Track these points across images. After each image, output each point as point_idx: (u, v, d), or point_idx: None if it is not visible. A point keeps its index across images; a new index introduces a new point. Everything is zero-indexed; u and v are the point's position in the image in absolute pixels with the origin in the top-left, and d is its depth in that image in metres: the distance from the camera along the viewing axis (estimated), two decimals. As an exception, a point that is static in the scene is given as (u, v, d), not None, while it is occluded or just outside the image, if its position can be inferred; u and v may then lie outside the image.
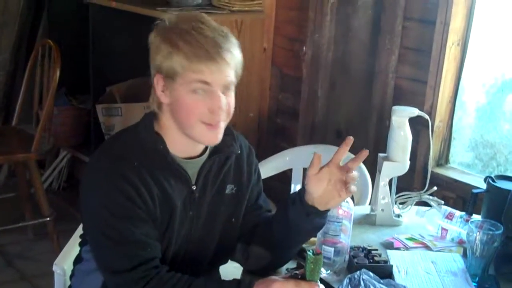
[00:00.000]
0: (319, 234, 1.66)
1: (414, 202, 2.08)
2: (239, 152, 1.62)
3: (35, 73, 3.35)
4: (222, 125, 1.50)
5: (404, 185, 2.15)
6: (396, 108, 1.99)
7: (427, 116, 2.01)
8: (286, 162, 2.67)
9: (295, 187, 2.67)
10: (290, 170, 2.68)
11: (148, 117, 1.55)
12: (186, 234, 1.57)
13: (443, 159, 2.67)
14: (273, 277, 1.45)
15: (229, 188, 1.62)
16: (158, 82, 1.47)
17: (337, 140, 2.96)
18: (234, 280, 1.47)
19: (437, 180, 2.53)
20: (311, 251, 1.41)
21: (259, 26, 3.13)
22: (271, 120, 3.29)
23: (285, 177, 2.63)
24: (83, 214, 1.54)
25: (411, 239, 1.87)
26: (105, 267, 1.51)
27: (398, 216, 2.03)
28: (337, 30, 2.89)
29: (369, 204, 2.20)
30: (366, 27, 2.77)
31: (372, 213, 2.05)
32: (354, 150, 2.55)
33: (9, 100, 4.25)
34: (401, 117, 1.97)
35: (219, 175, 1.59)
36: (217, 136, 1.50)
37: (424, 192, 2.06)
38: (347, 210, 1.67)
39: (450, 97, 2.57)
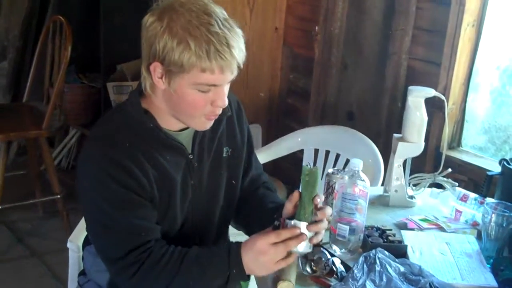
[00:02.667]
0: (334, 212, 1.66)
1: (428, 184, 2.07)
2: (230, 114, 1.62)
3: (45, 49, 3.33)
4: (219, 113, 1.49)
5: (415, 167, 2.14)
6: (412, 88, 1.97)
7: (443, 97, 1.99)
8: (297, 143, 2.67)
9: (306, 168, 2.67)
10: (301, 151, 2.68)
11: (134, 95, 1.52)
12: (190, 205, 1.58)
13: (456, 142, 2.66)
14: (255, 235, 1.43)
15: (225, 151, 1.63)
16: (155, 69, 1.40)
17: (348, 122, 2.95)
18: (224, 244, 1.46)
19: (449, 162, 2.50)
20: (308, 165, 1.43)
21: (272, 5, 3.11)
22: (282, 100, 3.28)
23: (295, 158, 2.63)
24: (80, 203, 1.52)
25: (425, 220, 1.87)
26: (102, 255, 1.51)
27: (412, 197, 2.03)
28: (350, 10, 2.87)
29: (382, 185, 2.19)
30: (380, 8, 2.75)
31: (385, 194, 2.04)
32: (367, 132, 2.57)
33: (18, 77, 4.25)
34: (418, 97, 1.95)
35: (214, 140, 1.60)
36: (211, 123, 1.50)
37: (438, 174, 2.06)
38: (363, 189, 1.66)
39: (463, 79, 2.55)
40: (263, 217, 1.58)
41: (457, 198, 1.93)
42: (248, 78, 3.13)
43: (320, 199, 1.44)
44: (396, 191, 2.00)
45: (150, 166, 1.46)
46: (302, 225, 1.42)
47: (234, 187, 1.67)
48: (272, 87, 3.27)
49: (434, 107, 2.39)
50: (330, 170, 1.93)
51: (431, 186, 2.09)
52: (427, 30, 2.60)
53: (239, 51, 1.37)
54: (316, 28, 2.99)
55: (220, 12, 1.39)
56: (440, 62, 2.52)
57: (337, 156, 2.58)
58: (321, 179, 2.52)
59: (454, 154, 2.61)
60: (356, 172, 1.66)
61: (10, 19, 4.16)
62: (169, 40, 1.35)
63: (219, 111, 1.47)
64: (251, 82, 3.15)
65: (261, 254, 1.39)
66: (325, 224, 1.46)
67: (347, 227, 1.65)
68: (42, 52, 3.36)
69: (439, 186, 2.09)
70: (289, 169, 2.49)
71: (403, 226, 1.83)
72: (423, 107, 1.97)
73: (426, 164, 2.57)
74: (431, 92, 1.98)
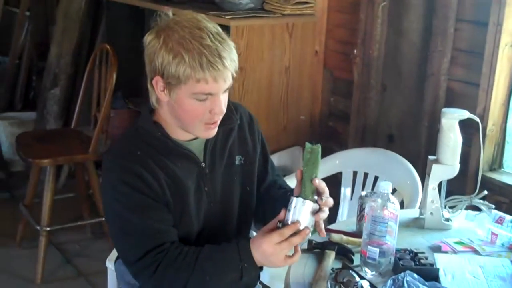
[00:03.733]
0: (364, 235, 1.67)
1: (464, 206, 2.05)
2: (238, 122, 1.72)
3: (93, 76, 3.45)
4: (218, 121, 1.59)
5: (456, 189, 2.12)
6: (445, 110, 1.97)
7: (477, 119, 1.98)
8: (336, 165, 2.68)
9: (345, 190, 2.68)
10: (340, 174, 2.69)
11: (144, 109, 1.65)
12: (206, 211, 1.66)
13: (497, 163, 2.62)
14: (260, 234, 1.53)
15: (238, 159, 1.72)
16: (157, 83, 1.53)
17: (388, 144, 2.94)
18: (234, 241, 1.55)
19: (490, 184, 2.49)
20: (312, 142, 1.52)
21: (311, 29, 3.14)
22: (322, 123, 3.30)
23: (334, 180, 2.64)
24: (104, 213, 1.67)
25: (459, 243, 1.85)
26: (123, 258, 1.63)
27: (448, 220, 2.01)
28: (388, 33, 2.88)
29: (419, 207, 2.18)
30: (418, 29, 2.75)
31: (421, 216, 2.03)
32: (407, 154, 2.56)
33: (69, 103, 4.40)
34: (451, 119, 1.95)
35: (225, 148, 1.69)
36: (215, 131, 1.60)
37: (475, 196, 2.03)
38: (393, 211, 1.67)
39: (503, 100, 2.52)
40: (276, 207, 1.62)
41: (493, 221, 1.91)
42: (289, 101, 3.16)
43: (318, 181, 1.53)
44: (431, 213, 1.99)
45: (161, 172, 1.57)
46: (305, 204, 1.50)
47: (248, 193, 1.76)
48: (313, 110, 3.29)
49: (474, 128, 2.36)
50: (363, 193, 1.94)
51: (468, 208, 2.07)
52: (466, 51, 2.58)
53: (230, 61, 1.49)
54: (355, 51, 3.01)
55: (212, 26, 1.51)
56: (479, 83, 2.50)
57: (376, 178, 2.58)
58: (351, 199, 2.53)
59: (495, 176, 2.57)
60: (385, 194, 1.67)
61: (62, 47, 4.32)
62: (166, 55, 1.47)
63: (218, 118, 1.57)
64: (291, 105, 3.18)
65: (267, 254, 1.49)
66: (324, 214, 1.54)
67: (377, 250, 1.65)
68: (89, 79, 3.48)
69: (477, 208, 2.06)
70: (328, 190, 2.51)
71: (437, 249, 1.82)
72: (457, 129, 1.96)
73: (467, 187, 2.54)
74: (464, 114, 1.97)
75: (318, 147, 1.53)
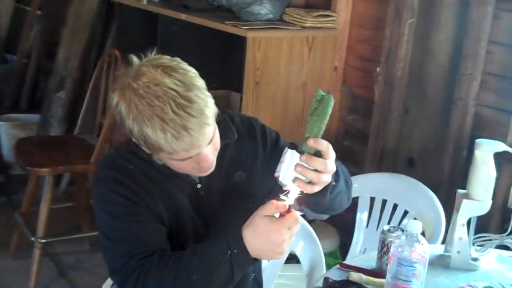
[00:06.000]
0: (388, 278, 1.52)
1: (494, 246, 1.89)
2: (236, 137, 1.59)
3: (100, 82, 3.31)
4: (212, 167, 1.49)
5: (478, 224, 1.96)
6: (480, 141, 1.80)
7: (514, 152, 1.82)
8: (354, 189, 2.51)
9: (361, 216, 2.52)
10: (357, 198, 2.52)
11: None
12: (203, 233, 1.56)
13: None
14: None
15: (237, 176, 1.60)
16: (135, 139, 1.42)
17: (408, 168, 2.77)
18: (221, 232, 1.40)
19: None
20: (326, 93, 1.35)
21: (331, 44, 2.99)
22: (338, 142, 3.13)
23: (351, 205, 2.47)
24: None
25: (489, 287, 1.69)
26: (110, 269, 1.52)
27: (475, 259, 1.85)
28: (414, 52, 2.72)
29: (442, 243, 2.02)
30: (446, 50, 2.59)
31: (446, 254, 1.87)
32: (427, 181, 2.40)
33: (74, 108, 4.26)
34: (486, 151, 1.79)
35: (222, 166, 1.55)
36: (210, 171, 1.49)
37: (507, 235, 1.87)
38: (421, 253, 1.50)
39: (537, 129, 2.36)
40: None
41: (528, 265, 1.74)
42: (304, 118, 3.00)
43: (313, 141, 1.32)
44: (458, 252, 1.83)
45: (156, 186, 1.50)
46: (297, 157, 1.33)
47: (251, 210, 1.55)
48: (329, 128, 3.11)
49: (502, 158, 2.19)
50: (386, 228, 1.78)
51: (497, 248, 1.90)
52: (497, 76, 2.42)
53: (199, 127, 1.35)
54: (378, 69, 2.85)
55: (172, 83, 1.34)
56: (511, 110, 2.34)
57: (395, 206, 2.42)
58: (376, 230, 2.38)
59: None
60: (414, 235, 1.50)
61: (70, 50, 4.20)
62: (133, 126, 1.36)
63: (208, 170, 1.46)
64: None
65: (261, 230, 1.33)
66: (316, 182, 1.34)
67: (402, 295, 1.49)
68: (96, 85, 3.33)
69: (507, 248, 1.90)
70: (343, 215, 2.33)
71: (464, 294, 1.66)
72: (491, 163, 1.80)
73: (491, 222, 2.37)
74: (500, 147, 1.81)
75: (330, 97, 1.35)
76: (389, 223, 2.40)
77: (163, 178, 1.52)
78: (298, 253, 2.07)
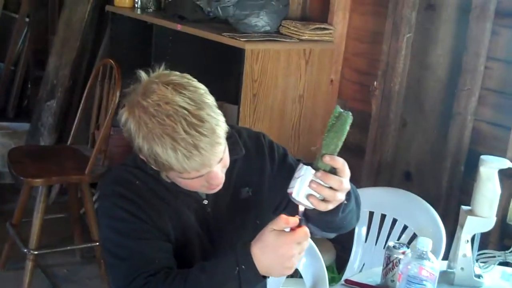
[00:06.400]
0: (397, 296, 1.50)
1: (497, 262, 1.89)
2: (243, 153, 1.56)
3: (94, 92, 3.28)
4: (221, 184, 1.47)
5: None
6: (484, 158, 1.81)
7: (519, 169, 1.83)
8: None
9: (360, 230, 2.51)
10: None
11: None
12: (212, 249, 1.53)
13: (522, 212, 2.46)
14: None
15: (244, 192, 1.58)
16: (145, 158, 1.40)
17: (405, 182, 2.78)
18: (229, 248, 1.38)
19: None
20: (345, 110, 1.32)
21: (328, 57, 2.99)
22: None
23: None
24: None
25: (494, 305, 1.69)
26: (114, 287, 1.51)
27: (479, 276, 1.85)
28: (412, 66, 2.73)
29: (443, 259, 2.02)
30: (445, 65, 2.60)
31: (449, 270, 1.87)
32: (425, 195, 2.40)
33: (65, 117, 4.22)
34: (491, 168, 1.80)
35: (229, 182, 1.52)
36: (219, 188, 1.47)
37: (510, 252, 1.87)
38: (431, 271, 1.50)
39: (535, 145, 2.37)
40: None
41: (533, 283, 1.74)
42: (301, 131, 3.00)
43: (329, 158, 1.30)
44: (462, 268, 1.83)
45: (162, 202, 1.48)
46: (311, 173, 1.30)
47: (258, 226, 1.53)
48: (324, 141, 3.13)
49: (501, 174, 2.20)
50: (391, 244, 1.77)
51: (500, 264, 1.91)
52: (496, 91, 2.43)
53: (211, 146, 1.33)
54: (375, 82, 2.85)
55: (183, 101, 1.32)
56: (510, 126, 2.35)
57: (394, 220, 2.41)
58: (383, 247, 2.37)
59: (521, 226, 2.41)
60: (424, 253, 1.50)
61: (61, 58, 4.16)
62: (143, 145, 1.34)
63: (219, 186, 1.44)
64: (303, 135, 3.01)
65: (269, 245, 1.30)
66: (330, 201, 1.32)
67: (412, 314, 1.48)
68: (90, 94, 3.30)
69: (507, 264, 1.91)
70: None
71: (470, 312, 1.66)
72: (496, 179, 1.81)
73: (490, 237, 2.37)
74: (505, 164, 1.82)
75: (348, 115, 1.32)
76: (388, 238, 2.40)
77: (170, 194, 1.49)
78: (301, 268, 2.06)
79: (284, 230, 1.30)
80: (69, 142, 3.32)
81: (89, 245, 3.18)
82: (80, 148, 3.27)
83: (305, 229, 1.31)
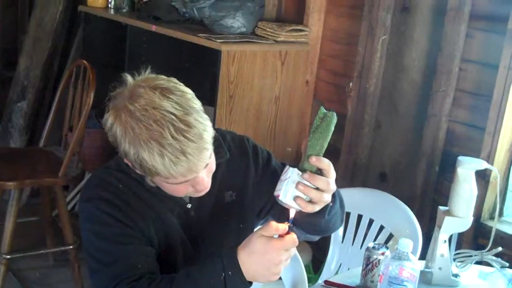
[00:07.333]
0: (378, 297, 1.51)
1: (474, 262, 1.91)
2: (228, 156, 1.55)
3: (67, 93, 3.23)
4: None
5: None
6: (462, 159, 1.83)
7: (495, 169, 1.85)
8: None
9: (337, 231, 2.51)
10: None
11: None
12: (195, 254, 1.52)
13: (497, 212, 2.49)
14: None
15: (228, 196, 1.57)
16: (130, 163, 1.38)
17: (380, 183, 2.79)
18: (215, 253, 1.37)
19: (488, 234, 2.36)
20: (330, 110, 1.33)
21: (303, 58, 2.99)
22: (309, 156, 3.13)
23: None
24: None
25: (472, 304, 1.71)
26: None
27: (456, 276, 1.87)
28: (387, 68, 2.74)
29: (419, 259, 2.03)
30: (419, 67, 2.62)
31: (427, 270, 1.88)
32: (400, 195, 2.42)
33: (36, 118, 4.15)
34: (467, 169, 1.81)
35: (213, 186, 1.50)
36: (204, 193, 1.45)
37: (486, 251, 1.90)
38: (411, 272, 1.51)
39: (509, 145, 2.40)
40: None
41: (509, 282, 1.77)
42: (276, 132, 3.00)
43: (316, 159, 1.32)
44: (440, 268, 1.85)
45: (146, 206, 1.46)
46: (298, 175, 1.31)
47: (242, 230, 1.57)
48: (300, 143, 3.13)
49: (475, 174, 2.23)
50: (371, 245, 1.77)
51: (477, 263, 1.93)
52: (470, 93, 2.46)
53: (198, 152, 1.32)
54: (350, 84, 2.86)
55: (171, 106, 1.31)
56: (484, 127, 2.37)
57: (370, 221, 2.43)
58: (360, 248, 2.37)
59: (495, 225, 2.43)
60: (405, 253, 1.51)
61: (32, 59, 4.10)
62: (129, 149, 1.32)
63: (204, 191, 1.43)
64: (279, 136, 3.02)
65: (256, 250, 1.29)
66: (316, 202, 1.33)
67: (393, 315, 1.49)
68: (62, 95, 3.25)
69: (487, 263, 1.93)
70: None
71: (449, 311, 1.67)
72: (473, 180, 1.83)
73: (463, 236, 2.40)
74: (481, 164, 1.84)
75: (333, 115, 1.33)
76: (365, 238, 2.41)
77: (153, 198, 1.48)
78: (279, 269, 2.05)
79: (272, 237, 1.30)
80: (41, 144, 3.26)
81: (62, 248, 3.13)
82: (53, 151, 3.22)
83: (293, 236, 1.30)
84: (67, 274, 3.21)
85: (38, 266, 3.33)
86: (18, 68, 4.16)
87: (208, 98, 2.94)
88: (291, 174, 1.30)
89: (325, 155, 1.35)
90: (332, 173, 1.34)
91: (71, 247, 3.05)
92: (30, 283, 3.21)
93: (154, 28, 3.07)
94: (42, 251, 3.28)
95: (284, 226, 1.30)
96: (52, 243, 3.30)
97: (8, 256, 2.89)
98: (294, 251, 1.33)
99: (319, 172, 1.32)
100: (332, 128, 1.33)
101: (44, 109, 4.17)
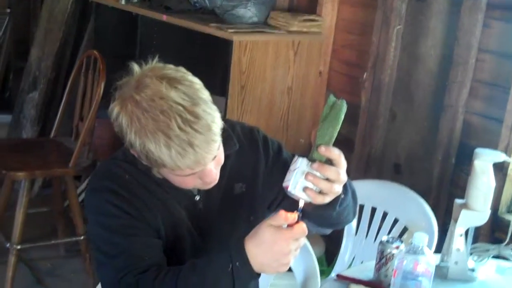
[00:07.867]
0: (393, 292, 1.48)
1: (491, 256, 1.87)
2: (237, 147, 1.52)
3: (78, 84, 3.21)
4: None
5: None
6: (479, 151, 1.78)
7: (513, 162, 1.80)
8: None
9: (350, 223, 2.47)
10: (345, 206, 2.48)
11: None
12: (203, 246, 1.50)
13: (514, 205, 2.45)
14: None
15: (238, 187, 1.54)
16: (136, 153, 1.35)
17: (394, 175, 2.75)
18: (222, 246, 1.35)
19: (506, 227, 2.31)
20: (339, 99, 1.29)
21: (317, 48, 2.95)
22: (322, 148, 3.09)
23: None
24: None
25: (489, 300, 1.67)
26: (103, 284, 1.47)
27: (473, 270, 1.83)
28: (402, 58, 2.69)
29: (435, 252, 2.00)
30: (435, 57, 2.57)
31: (442, 264, 1.84)
32: (415, 187, 2.37)
33: (48, 109, 4.14)
34: (485, 161, 1.77)
35: (222, 178, 1.47)
36: (212, 185, 1.41)
37: (505, 245, 1.85)
38: (427, 267, 1.47)
39: (527, 138, 2.35)
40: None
41: (527, 276, 1.73)
42: (289, 123, 2.96)
43: (325, 149, 1.28)
44: (456, 262, 1.81)
45: (153, 197, 1.44)
46: (307, 165, 1.27)
47: (252, 223, 1.51)
48: (312, 134, 3.10)
49: (493, 166, 2.18)
50: (384, 238, 1.74)
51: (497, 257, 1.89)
52: (488, 83, 2.41)
53: (206, 144, 1.28)
54: (365, 74, 2.81)
55: (179, 97, 1.27)
56: (502, 119, 2.32)
57: (384, 214, 2.39)
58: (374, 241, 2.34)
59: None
60: (420, 248, 1.47)
61: (44, 49, 4.08)
62: (135, 140, 1.28)
63: (212, 184, 1.40)
64: (291, 127, 2.98)
65: (265, 241, 1.26)
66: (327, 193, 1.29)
67: (408, 310, 1.46)
68: (73, 86, 3.23)
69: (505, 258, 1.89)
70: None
71: (465, 306, 1.63)
72: (491, 172, 1.78)
73: (481, 230, 2.35)
74: (499, 157, 1.80)
75: (343, 103, 1.28)
76: (378, 231, 2.37)
77: (160, 190, 1.45)
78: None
79: (281, 226, 1.27)
80: (52, 135, 3.25)
81: (74, 239, 3.13)
82: (63, 141, 3.20)
83: (303, 225, 1.26)
84: (78, 264, 3.20)
85: (50, 257, 3.33)
86: (30, 59, 4.15)
87: (220, 89, 2.91)
88: (300, 164, 1.26)
89: (338, 146, 1.31)
90: (342, 163, 1.30)
91: (82, 237, 3.05)
92: (41, 273, 3.21)
93: (165, 18, 3.04)
94: (53, 242, 3.28)
95: (293, 216, 1.26)
96: (63, 233, 3.30)
97: (19, 247, 2.88)
98: (303, 241, 1.29)
99: (329, 162, 1.28)
100: (342, 117, 1.29)
101: (56, 100, 4.15)
